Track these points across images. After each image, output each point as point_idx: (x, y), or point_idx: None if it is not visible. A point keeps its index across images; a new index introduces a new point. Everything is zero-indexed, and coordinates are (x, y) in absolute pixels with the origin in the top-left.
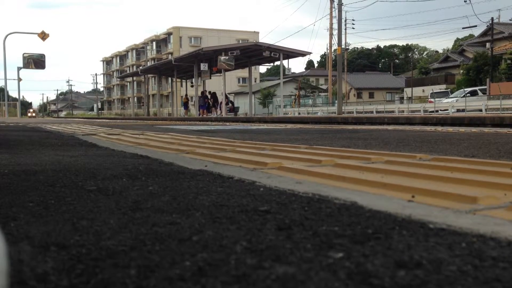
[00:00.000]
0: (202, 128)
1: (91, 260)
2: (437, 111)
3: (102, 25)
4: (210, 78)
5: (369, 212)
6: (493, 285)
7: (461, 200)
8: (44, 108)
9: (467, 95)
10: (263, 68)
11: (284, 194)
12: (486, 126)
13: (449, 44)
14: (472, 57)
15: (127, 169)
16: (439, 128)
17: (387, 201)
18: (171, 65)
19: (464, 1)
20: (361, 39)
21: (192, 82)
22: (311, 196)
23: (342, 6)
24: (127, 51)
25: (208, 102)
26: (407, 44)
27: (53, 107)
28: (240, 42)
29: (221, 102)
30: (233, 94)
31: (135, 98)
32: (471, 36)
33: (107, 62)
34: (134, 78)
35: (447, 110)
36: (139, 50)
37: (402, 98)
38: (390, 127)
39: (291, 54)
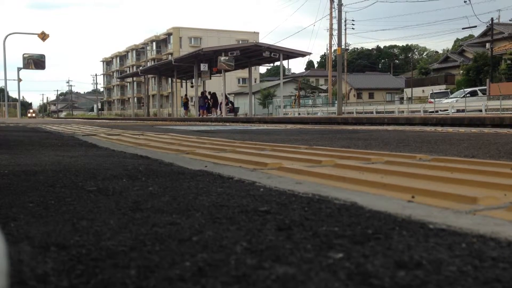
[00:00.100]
0: (202, 128)
1: (91, 261)
2: (437, 111)
3: (102, 26)
4: (210, 79)
5: (369, 212)
6: (493, 285)
7: (461, 200)
8: (44, 109)
9: (467, 95)
10: (263, 69)
11: (284, 195)
12: (486, 126)
13: (449, 45)
14: (472, 58)
15: (127, 169)
16: (439, 129)
17: (387, 201)
18: (171, 65)
19: (464, 2)
20: (361, 39)
21: (192, 83)
22: (311, 196)
23: (342, 7)
24: (127, 52)
25: (208, 102)
26: (407, 45)
27: (53, 108)
28: (240, 42)
29: (221, 103)
30: (233, 95)
31: (135, 98)
32: (471, 36)
33: (107, 62)
34: (134, 78)
35: (447, 110)
36: (139, 50)
37: (402, 98)
38: (390, 128)
39: (291, 54)
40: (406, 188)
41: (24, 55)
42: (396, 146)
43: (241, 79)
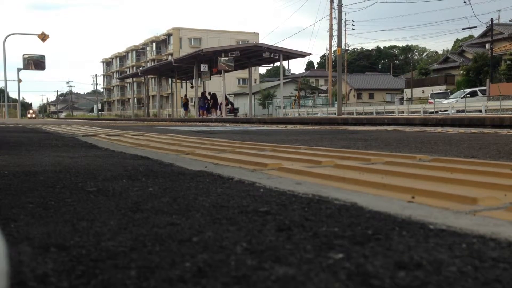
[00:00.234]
0: (202, 129)
1: (91, 261)
2: (437, 112)
3: (102, 26)
4: (210, 79)
5: (369, 213)
6: (493, 286)
7: (461, 201)
8: (44, 109)
9: (467, 96)
10: (263, 69)
11: (284, 195)
12: (486, 127)
13: (449, 45)
14: (471, 58)
15: (127, 170)
16: (439, 129)
17: (387, 202)
18: (171, 66)
19: (464, 2)
20: (360, 40)
21: (192, 83)
22: (311, 197)
23: (342, 7)
24: (127, 52)
25: (208, 103)
26: (406, 45)
27: (53, 108)
28: (240, 43)
29: (221, 103)
30: (233, 95)
31: (135, 99)
32: (471, 37)
33: (107, 63)
34: (134, 79)
35: (447, 111)
36: (139, 51)
37: (402, 99)
38: (390, 128)
39: (291, 55)
40: (406, 189)
41: (24, 56)
42: (396, 147)
43: (241, 80)
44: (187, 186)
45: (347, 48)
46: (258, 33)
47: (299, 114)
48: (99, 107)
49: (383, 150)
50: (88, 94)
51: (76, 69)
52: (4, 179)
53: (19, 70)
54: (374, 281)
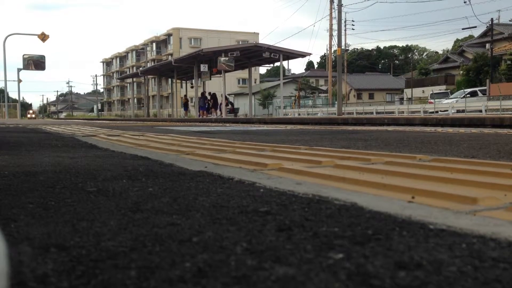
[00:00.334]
0: (202, 129)
1: (91, 261)
2: (437, 112)
3: (102, 26)
4: (210, 79)
5: (369, 213)
6: (493, 286)
7: (461, 201)
8: (44, 109)
9: (467, 96)
10: (263, 69)
11: (284, 195)
12: (486, 126)
13: (449, 45)
14: (472, 58)
15: (127, 170)
16: (439, 129)
17: (387, 202)
18: (171, 66)
19: (464, 2)
20: (360, 40)
21: (192, 83)
22: (311, 197)
23: (342, 7)
24: (127, 52)
25: (208, 103)
26: (406, 45)
27: (53, 108)
28: (240, 43)
29: (221, 103)
30: (233, 95)
31: (135, 99)
32: (471, 37)
33: (107, 63)
34: (134, 79)
35: (447, 111)
36: (139, 51)
37: (402, 99)
38: (390, 128)
39: (291, 55)
40: (406, 189)
41: (24, 56)
42: (396, 147)
43: (241, 80)
44: (187, 186)
45: (347, 48)
46: (258, 33)
47: (299, 114)
48: (99, 107)
49: (383, 150)
50: (88, 94)
51: (76, 69)
52: (4, 179)
53: (19, 70)
54: (374, 281)
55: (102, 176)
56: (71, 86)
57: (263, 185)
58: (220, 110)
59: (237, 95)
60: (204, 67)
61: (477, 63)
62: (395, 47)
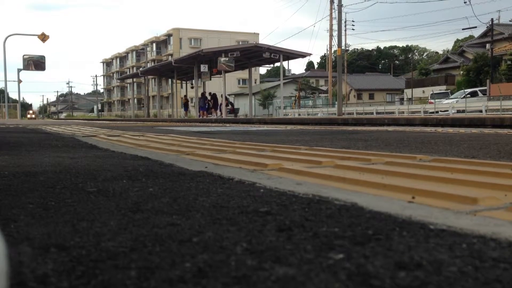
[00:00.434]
0: (202, 129)
1: (91, 262)
2: (437, 112)
3: (102, 27)
4: (210, 80)
5: (370, 213)
6: (493, 286)
7: (461, 201)
8: (44, 110)
9: (467, 96)
10: (263, 70)
11: (285, 195)
12: (486, 127)
13: (449, 45)
14: (472, 58)
15: (127, 170)
16: (439, 129)
17: (388, 202)
18: (171, 66)
19: (464, 2)
20: (361, 40)
21: (192, 84)
22: (311, 197)
23: (342, 8)
24: (127, 53)
25: (208, 103)
26: (407, 45)
27: (53, 109)
28: (240, 43)
29: (221, 104)
30: (233, 96)
31: (135, 99)
32: (471, 37)
33: (107, 63)
34: (134, 79)
35: (447, 111)
36: (139, 51)
37: (402, 99)
38: (390, 128)
39: (291, 55)
40: (406, 189)
41: (24, 56)
42: (396, 147)
43: (241, 80)
44: (187, 187)
45: (347, 48)
46: (258, 34)
47: (299, 115)
48: (99, 108)
49: (383, 150)
50: (88, 94)
51: (76, 70)
52: (4, 179)
53: (19, 70)
54: (375, 281)
55: (102, 176)
56: (71, 87)
57: (263, 185)
58: (220, 110)
59: (237, 95)
60: (204, 68)
61: (477, 63)
62: (395, 47)
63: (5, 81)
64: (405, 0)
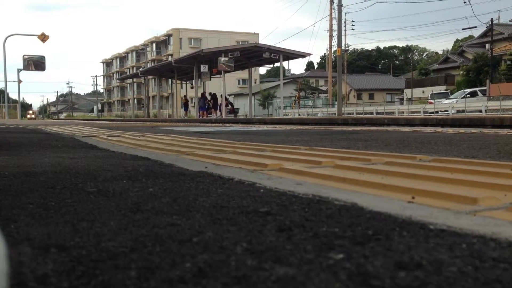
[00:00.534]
0: (202, 129)
1: (91, 262)
2: (437, 112)
3: (102, 27)
4: (210, 80)
5: (370, 213)
6: (493, 286)
7: (461, 201)
8: (44, 110)
9: (467, 96)
10: (263, 70)
11: (284, 195)
12: (486, 127)
13: (449, 45)
14: (472, 58)
15: (127, 170)
16: (439, 129)
17: (388, 202)
18: (171, 66)
19: (464, 2)
20: (360, 40)
21: (192, 84)
22: (311, 197)
23: (342, 8)
24: (127, 53)
25: (208, 103)
26: (406, 45)
27: (53, 109)
28: (240, 43)
29: (220, 104)
30: (233, 96)
31: (135, 99)
32: (470, 37)
33: (107, 63)
34: (134, 79)
35: (447, 111)
36: (139, 51)
37: (402, 99)
38: (390, 128)
39: (291, 55)
40: (406, 189)
41: (24, 57)
42: (396, 147)
43: (241, 80)
44: (187, 187)
45: (347, 48)
46: (258, 34)
47: (299, 115)
48: (99, 108)
49: (383, 150)
50: (88, 94)
51: (76, 70)
52: (4, 179)
53: (19, 70)
54: (375, 281)
55: (102, 176)
56: (71, 87)
57: (263, 186)
58: (220, 110)
59: (237, 95)
60: (204, 68)
61: (477, 63)
62: (395, 47)
63: (5, 81)
64: (405, 0)
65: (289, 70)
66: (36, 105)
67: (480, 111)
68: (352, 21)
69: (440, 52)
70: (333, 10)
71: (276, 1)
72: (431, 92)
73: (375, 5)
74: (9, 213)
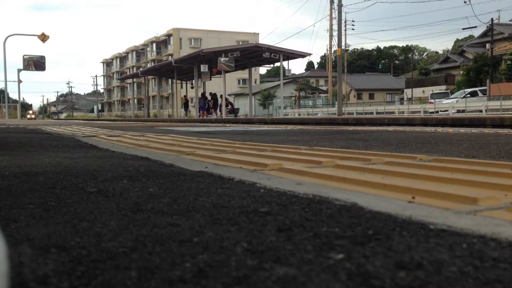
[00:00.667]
0: (202, 129)
1: (91, 262)
2: (437, 112)
3: (102, 27)
4: (210, 80)
5: (370, 213)
6: (494, 286)
7: (461, 201)
8: (44, 110)
9: (467, 96)
10: (263, 70)
11: (285, 195)
12: (486, 126)
13: (449, 45)
14: (472, 58)
15: (128, 170)
16: (439, 129)
17: (388, 202)
18: (171, 66)
19: (464, 2)
20: (361, 40)
21: (192, 84)
22: (312, 197)
23: (342, 7)
24: (127, 53)
25: (208, 103)
26: (407, 45)
27: (53, 109)
28: (240, 43)
29: (221, 104)
30: (233, 96)
31: (135, 99)
32: (471, 37)
33: (107, 63)
34: (134, 79)
35: (447, 111)
36: (139, 51)
37: (402, 99)
38: (390, 128)
39: (291, 55)
40: (406, 189)
41: (24, 57)
42: (396, 147)
43: (241, 80)
44: (187, 187)
45: (347, 48)
46: (258, 34)
47: (299, 115)
48: (99, 108)
49: (383, 150)
50: (88, 94)
51: (76, 70)
52: (4, 180)
53: (19, 70)
54: (375, 281)
55: (102, 176)
56: (71, 87)
57: (263, 186)
58: (220, 110)
59: (237, 95)
60: (204, 68)
61: (477, 63)
62: (395, 47)
63: (5, 81)
64: (405, 0)
65: (289, 70)
66: (36, 105)
67: (480, 111)
68: (352, 21)
69: (440, 52)
70: (333, 10)
71: (276, 1)
72: (431, 92)
73: (375, 5)
74: (9, 213)
